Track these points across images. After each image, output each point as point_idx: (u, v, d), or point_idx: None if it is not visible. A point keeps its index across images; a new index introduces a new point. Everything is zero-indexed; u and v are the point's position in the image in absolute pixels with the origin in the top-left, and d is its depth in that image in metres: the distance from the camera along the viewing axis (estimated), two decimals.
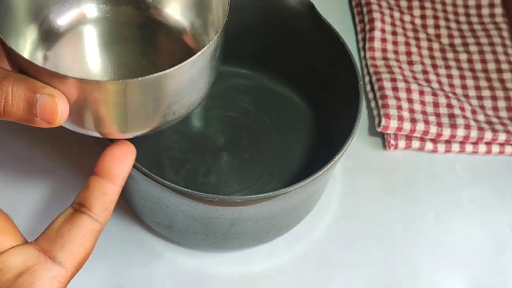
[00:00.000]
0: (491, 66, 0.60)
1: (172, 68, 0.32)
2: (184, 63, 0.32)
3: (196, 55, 0.33)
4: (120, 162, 0.34)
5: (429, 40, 0.62)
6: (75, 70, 0.40)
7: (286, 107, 0.55)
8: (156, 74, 0.31)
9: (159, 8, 0.43)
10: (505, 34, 0.63)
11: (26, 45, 0.39)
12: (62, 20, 0.41)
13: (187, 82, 0.34)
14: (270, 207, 0.41)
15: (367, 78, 0.59)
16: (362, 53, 0.61)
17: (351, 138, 0.42)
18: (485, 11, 0.65)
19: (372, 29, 0.61)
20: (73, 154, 0.52)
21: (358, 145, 0.56)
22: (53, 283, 0.32)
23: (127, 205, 0.49)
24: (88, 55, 0.41)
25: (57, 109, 0.31)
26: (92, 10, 0.42)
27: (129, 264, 0.48)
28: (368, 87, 0.59)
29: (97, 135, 0.35)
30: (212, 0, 0.41)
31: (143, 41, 0.43)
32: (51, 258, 0.33)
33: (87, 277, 0.47)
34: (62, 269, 0.32)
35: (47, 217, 0.49)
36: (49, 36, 0.41)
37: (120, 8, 0.43)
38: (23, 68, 0.32)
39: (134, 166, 0.39)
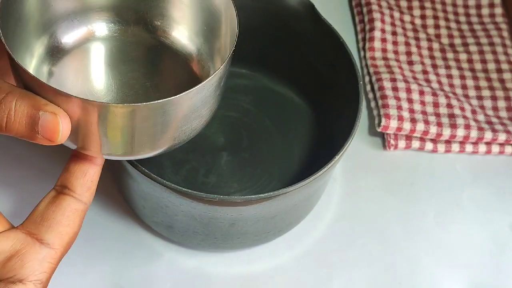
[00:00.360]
0: (491, 66, 0.60)
1: (177, 95, 0.32)
2: (189, 91, 0.32)
3: (202, 84, 0.33)
4: None
5: (429, 40, 0.62)
6: (78, 86, 0.40)
7: (286, 107, 0.55)
8: (160, 100, 0.32)
9: (167, 31, 0.43)
10: (505, 34, 0.62)
11: (33, 60, 0.39)
12: (70, 36, 0.41)
13: (191, 109, 0.34)
14: (270, 207, 0.41)
15: (367, 78, 0.59)
16: (362, 53, 0.61)
17: (351, 138, 0.42)
18: (485, 11, 0.65)
19: (372, 29, 0.61)
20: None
21: (358, 145, 0.56)
22: (43, 264, 0.33)
23: (127, 205, 0.49)
24: (93, 72, 0.41)
25: (58, 127, 0.31)
26: (100, 29, 0.42)
27: (129, 264, 0.48)
28: (368, 87, 0.59)
29: (95, 155, 0.35)
30: (220, 27, 0.41)
31: (149, 63, 0.43)
32: (38, 241, 0.33)
33: (87, 277, 0.47)
34: (51, 250, 0.33)
35: None
36: (56, 52, 0.41)
37: (129, 29, 0.43)
38: (27, 84, 0.32)
39: (134, 166, 0.39)
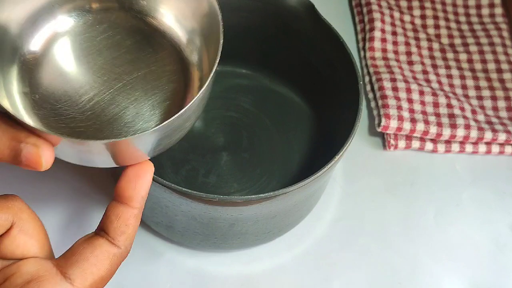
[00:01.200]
0: (491, 66, 0.60)
1: (158, 126, 0.31)
2: (172, 118, 0.32)
3: (185, 108, 0.32)
4: (134, 184, 0.34)
5: (429, 40, 0.62)
6: (62, 84, 0.38)
7: (286, 107, 0.55)
8: (143, 133, 0.31)
9: (153, 13, 0.41)
10: (505, 34, 0.63)
11: (11, 80, 0.37)
12: (37, 42, 0.38)
13: (174, 130, 0.34)
14: (270, 207, 0.41)
15: (367, 78, 0.59)
16: (362, 53, 0.61)
17: (351, 138, 0.42)
18: (485, 11, 0.65)
19: (372, 29, 0.61)
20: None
21: (358, 145, 0.56)
22: None
23: None
24: (78, 66, 0.39)
25: (41, 159, 0.31)
26: (75, 18, 0.40)
27: (129, 264, 0.48)
28: (368, 87, 0.58)
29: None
30: (206, 12, 0.38)
31: (135, 48, 0.40)
32: (62, 273, 0.33)
33: None
34: (70, 286, 0.32)
35: (47, 215, 0.49)
36: (31, 59, 0.38)
37: (113, 13, 0.40)
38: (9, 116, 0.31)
39: None
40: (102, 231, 0.34)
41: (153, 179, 0.38)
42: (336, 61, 0.48)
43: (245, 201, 0.39)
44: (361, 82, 0.45)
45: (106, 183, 0.51)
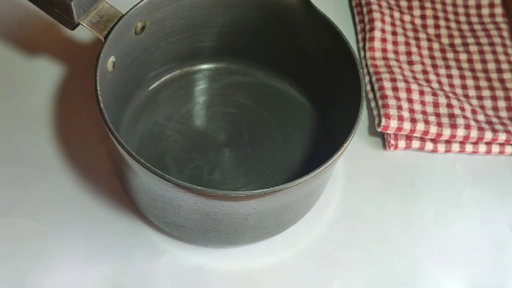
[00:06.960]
0: (491, 66, 0.60)
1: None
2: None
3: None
4: None
5: (429, 40, 0.62)
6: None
7: (284, 100, 0.55)
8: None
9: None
10: (505, 34, 0.63)
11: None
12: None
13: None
14: (283, 199, 0.41)
15: (367, 78, 0.59)
16: (362, 53, 0.61)
17: (357, 125, 0.41)
18: (485, 11, 0.65)
19: (372, 29, 0.61)
20: (73, 154, 0.52)
21: (358, 145, 0.56)
22: None
23: (128, 202, 0.49)
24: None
25: None
26: None
27: (130, 261, 0.47)
28: (368, 87, 0.58)
29: None
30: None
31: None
32: None
33: (89, 275, 0.46)
34: None
35: (47, 215, 0.48)
36: None
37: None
38: None
39: (148, 169, 0.38)
40: None
41: (168, 180, 0.38)
42: (333, 51, 0.48)
43: (262, 194, 0.38)
44: (361, 70, 0.44)
45: (110, 182, 0.51)
